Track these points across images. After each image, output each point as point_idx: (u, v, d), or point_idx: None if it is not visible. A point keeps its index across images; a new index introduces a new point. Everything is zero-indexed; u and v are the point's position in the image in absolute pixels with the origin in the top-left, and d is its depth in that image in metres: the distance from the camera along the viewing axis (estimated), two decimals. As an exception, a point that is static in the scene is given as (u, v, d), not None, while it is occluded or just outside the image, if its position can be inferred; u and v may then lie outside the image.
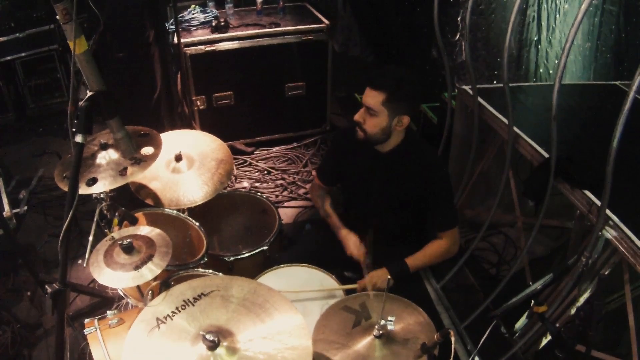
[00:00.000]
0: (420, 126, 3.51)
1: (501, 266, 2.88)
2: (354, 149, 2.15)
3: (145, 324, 1.40)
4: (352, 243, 2.09)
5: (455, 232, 2.11)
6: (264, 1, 3.90)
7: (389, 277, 1.75)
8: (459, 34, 3.10)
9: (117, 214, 1.90)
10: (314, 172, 2.36)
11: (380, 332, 1.49)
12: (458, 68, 3.08)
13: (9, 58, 3.99)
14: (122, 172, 1.80)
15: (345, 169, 2.22)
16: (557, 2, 3.04)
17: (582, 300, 2.00)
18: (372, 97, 1.90)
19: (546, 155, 2.13)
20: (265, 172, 3.77)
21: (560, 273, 1.98)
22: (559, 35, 3.12)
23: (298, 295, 1.90)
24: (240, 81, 3.72)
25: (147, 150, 1.89)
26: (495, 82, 3.13)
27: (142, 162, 1.83)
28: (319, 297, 1.93)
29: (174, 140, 2.31)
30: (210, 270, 2.03)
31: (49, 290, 1.57)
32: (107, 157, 1.85)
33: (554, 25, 3.09)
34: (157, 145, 1.93)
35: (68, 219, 1.51)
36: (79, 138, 1.52)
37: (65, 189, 1.76)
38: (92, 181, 1.76)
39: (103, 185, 1.76)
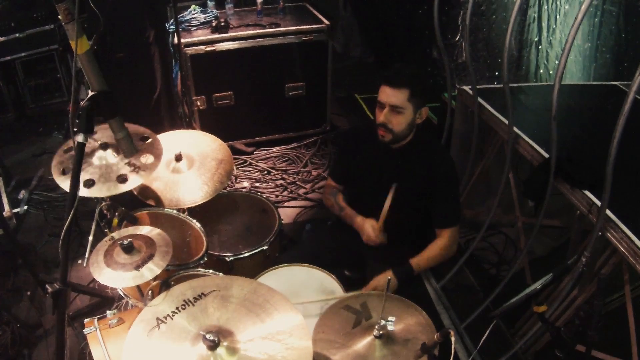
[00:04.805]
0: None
1: (501, 266, 2.87)
2: (363, 147, 2.17)
3: (145, 323, 1.40)
4: (370, 227, 2.10)
5: (455, 230, 2.12)
6: (264, 1, 3.90)
7: (389, 277, 1.76)
8: (459, 34, 3.10)
9: (117, 214, 1.90)
10: (329, 179, 2.39)
11: (380, 332, 1.49)
12: (459, 69, 3.08)
13: (9, 58, 3.99)
14: (122, 180, 1.80)
15: (356, 168, 2.23)
16: (558, 2, 3.04)
17: (581, 300, 2.00)
18: (397, 96, 1.94)
19: (546, 155, 2.13)
20: (265, 172, 3.77)
21: (560, 273, 1.98)
22: (559, 36, 3.12)
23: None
24: (240, 81, 3.72)
25: (147, 159, 1.90)
26: (496, 82, 3.13)
27: (142, 171, 1.84)
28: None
29: (174, 140, 2.31)
30: (210, 270, 2.03)
31: (50, 289, 1.57)
32: (105, 159, 1.85)
33: (554, 26, 3.09)
34: (157, 155, 1.95)
35: (69, 218, 1.51)
36: (80, 138, 1.52)
37: (62, 184, 1.77)
38: (91, 182, 1.77)
39: (100, 192, 1.77)
